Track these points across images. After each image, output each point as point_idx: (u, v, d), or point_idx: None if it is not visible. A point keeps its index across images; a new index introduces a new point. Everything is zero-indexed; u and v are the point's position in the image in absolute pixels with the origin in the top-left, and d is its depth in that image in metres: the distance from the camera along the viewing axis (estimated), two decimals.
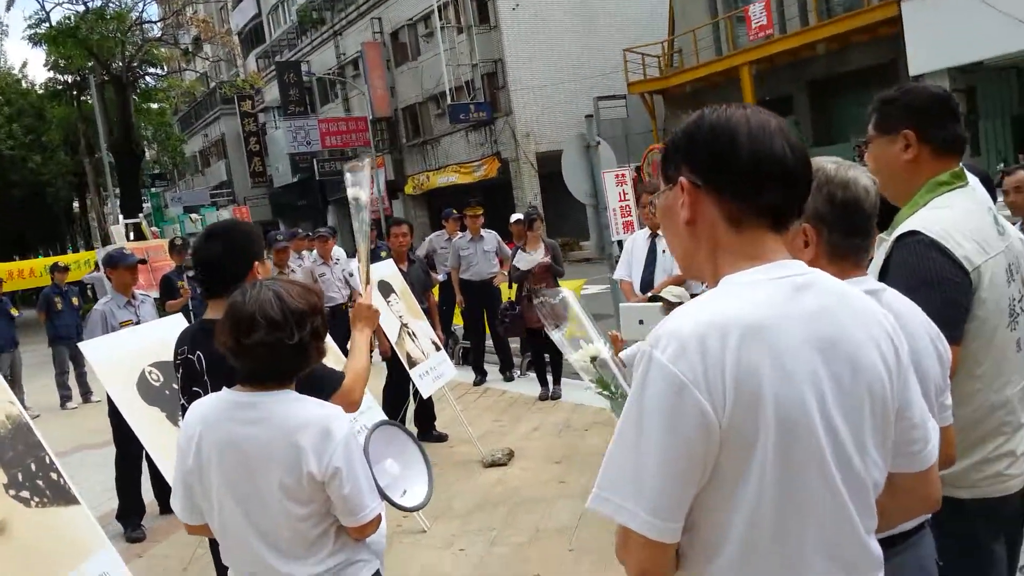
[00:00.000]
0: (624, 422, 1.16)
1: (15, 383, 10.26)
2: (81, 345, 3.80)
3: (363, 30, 32.35)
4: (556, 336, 2.13)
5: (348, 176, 2.83)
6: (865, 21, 17.70)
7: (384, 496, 2.11)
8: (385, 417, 5.08)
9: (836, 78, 19.95)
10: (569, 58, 27.47)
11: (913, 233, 1.88)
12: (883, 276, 1.87)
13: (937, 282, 1.82)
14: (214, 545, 2.39)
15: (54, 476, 2.83)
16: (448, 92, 27.69)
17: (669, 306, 4.61)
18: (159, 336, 3.89)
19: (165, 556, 4.91)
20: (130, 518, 5.37)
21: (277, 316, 1.91)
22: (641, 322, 4.21)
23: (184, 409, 2.48)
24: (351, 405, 2.35)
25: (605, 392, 2.00)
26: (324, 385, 2.32)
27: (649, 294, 5.49)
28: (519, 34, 26.89)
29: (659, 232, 5.80)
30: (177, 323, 4.09)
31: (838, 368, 1.17)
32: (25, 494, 2.67)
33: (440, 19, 27.67)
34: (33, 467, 2.76)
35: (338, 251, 9.94)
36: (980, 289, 1.87)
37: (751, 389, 1.10)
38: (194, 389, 2.43)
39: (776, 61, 20.25)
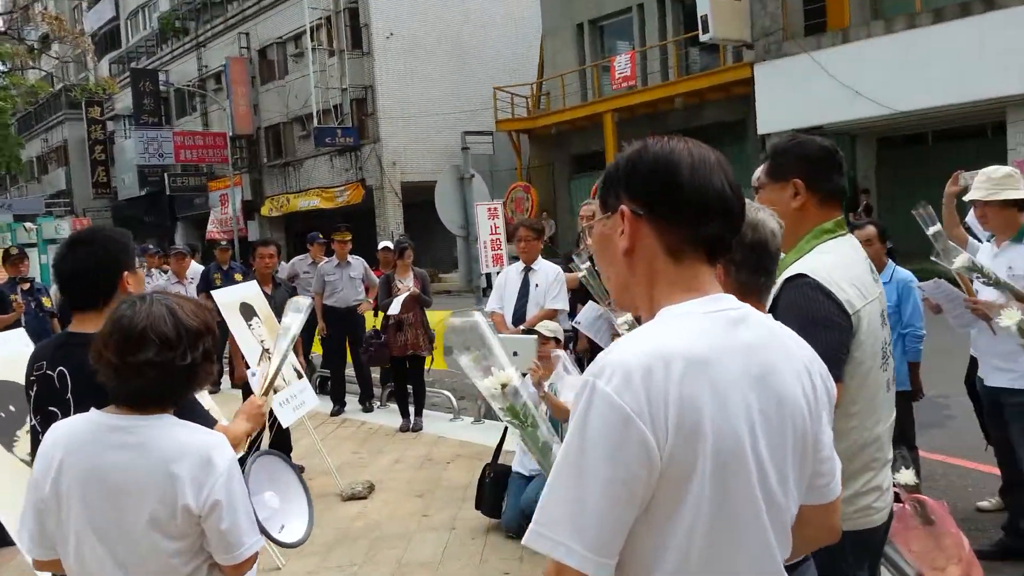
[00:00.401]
0: (565, 455, 1.13)
1: None
2: None
3: (229, 44, 31.31)
4: (463, 361, 2.05)
5: (291, 308, 2.92)
6: (720, 80, 18.82)
7: (262, 531, 1.97)
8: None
9: (692, 131, 20.99)
10: (440, 91, 27.62)
11: (801, 276, 1.97)
12: (772, 315, 1.93)
13: (824, 323, 1.91)
14: None
15: None
16: (315, 115, 27.14)
17: (543, 339, 4.65)
18: None
19: None
20: None
21: (170, 334, 1.77)
22: (516, 354, 4.21)
23: (36, 431, 2.25)
24: None
25: (515, 420, 1.95)
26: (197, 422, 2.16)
27: (522, 327, 5.52)
28: (391, 63, 26.83)
29: (532, 266, 5.86)
30: (16, 338, 3.69)
31: (767, 403, 1.19)
32: None
33: (312, 40, 27.18)
34: None
35: (195, 268, 9.43)
36: (859, 332, 1.98)
37: (693, 422, 1.10)
38: (50, 409, 2.20)
39: (637, 111, 21.17)
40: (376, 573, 4.41)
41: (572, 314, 5.91)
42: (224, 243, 10.86)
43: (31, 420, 2.29)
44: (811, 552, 1.71)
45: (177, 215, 34.94)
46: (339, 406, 8.41)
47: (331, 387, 8.63)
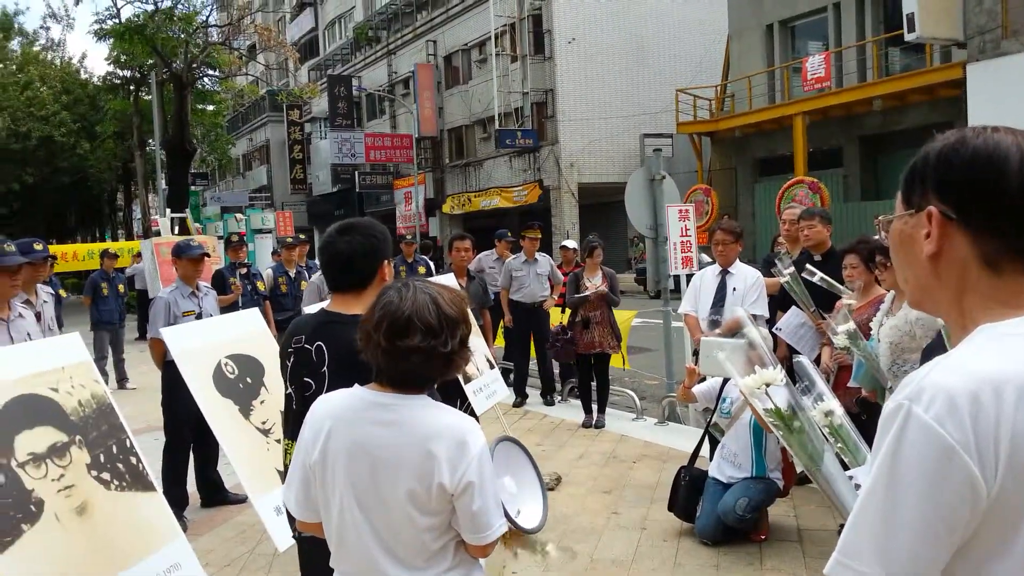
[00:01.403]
0: (874, 484, 1.03)
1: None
2: (163, 331, 3.74)
3: (417, 51, 32.73)
4: (721, 357, 2.00)
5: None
6: (926, 81, 17.56)
7: (505, 514, 2.00)
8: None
9: (889, 135, 19.79)
10: (619, 94, 27.58)
11: None
12: None
13: None
14: (307, 544, 2.29)
15: (133, 460, 2.76)
16: (496, 117, 27.84)
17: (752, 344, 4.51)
18: (237, 328, 3.84)
19: (208, 551, 4.81)
20: (172, 509, 5.29)
21: (434, 322, 1.84)
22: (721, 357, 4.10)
23: (289, 398, 2.42)
24: None
25: (779, 423, 1.85)
26: None
27: (717, 331, 5.38)
28: (572, 66, 27.06)
29: (730, 269, 5.69)
30: (254, 317, 4.03)
31: None
32: (106, 476, 2.61)
33: (496, 46, 27.90)
34: (114, 449, 2.70)
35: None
36: None
37: None
38: (306, 380, 2.36)
39: (829, 113, 20.15)
40: (569, 566, 4.43)
41: (771, 321, 5.70)
42: (409, 237, 11.32)
43: (288, 387, 2.46)
44: None
45: (365, 210, 36.92)
46: (521, 398, 8.56)
47: (514, 379, 8.79)
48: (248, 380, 3.74)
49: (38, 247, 4.61)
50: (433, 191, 32.36)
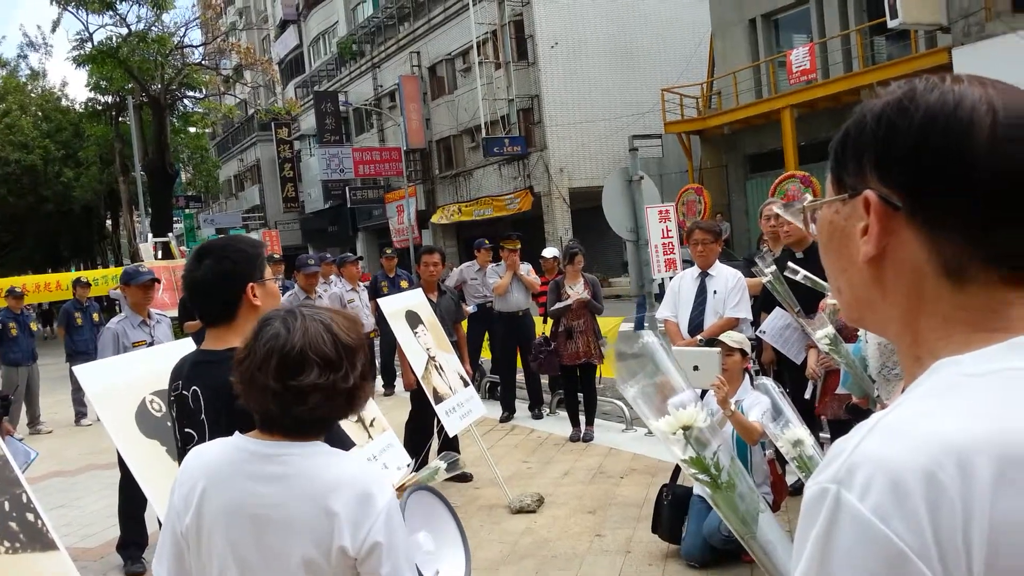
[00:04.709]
0: None
1: (31, 398, 10.07)
2: (77, 369, 3.45)
3: (402, 63, 32.56)
4: (631, 393, 1.68)
5: None
6: (912, 68, 17.27)
7: None
8: (407, 456, 4.70)
9: None
10: (605, 96, 27.36)
11: None
12: None
13: None
14: None
15: (31, 517, 2.47)
16: (483, 126, 27.63)
17: (728, 351, 4.23)
18: (165, 362, 3.53)
19: None
20: (130, 549, 5.02)
21: (331, 353, 1.59)
22: (697, 368, 3.82)
23: (181, 450, 2.14)
24: None
25: (704, 476, 1.53)
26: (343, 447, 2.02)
27: (700, 337, 5.11)
28: (556, 71, 26.86)
29: (709, 271, 5.42)
30: (187, 348, 3.74)
31: None
32: None
33: (479, 55, 27.71)
34: (7, 507, 2.41)
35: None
36: None
37: (1016, 554, 0.67)
38: (187, 430, 2.07)
39: (817, 106, 19.89)
40: None
41: (755, 323, 5.42)
42: (389, 251, 11.08)
43: (176, 437, 2.19)
44: None
45: (358, 225, 36.72)
46: (508, 412, 8.28)
47: (501, 393, 8.53)
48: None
49: None
50: (424, 203, 32.14)
